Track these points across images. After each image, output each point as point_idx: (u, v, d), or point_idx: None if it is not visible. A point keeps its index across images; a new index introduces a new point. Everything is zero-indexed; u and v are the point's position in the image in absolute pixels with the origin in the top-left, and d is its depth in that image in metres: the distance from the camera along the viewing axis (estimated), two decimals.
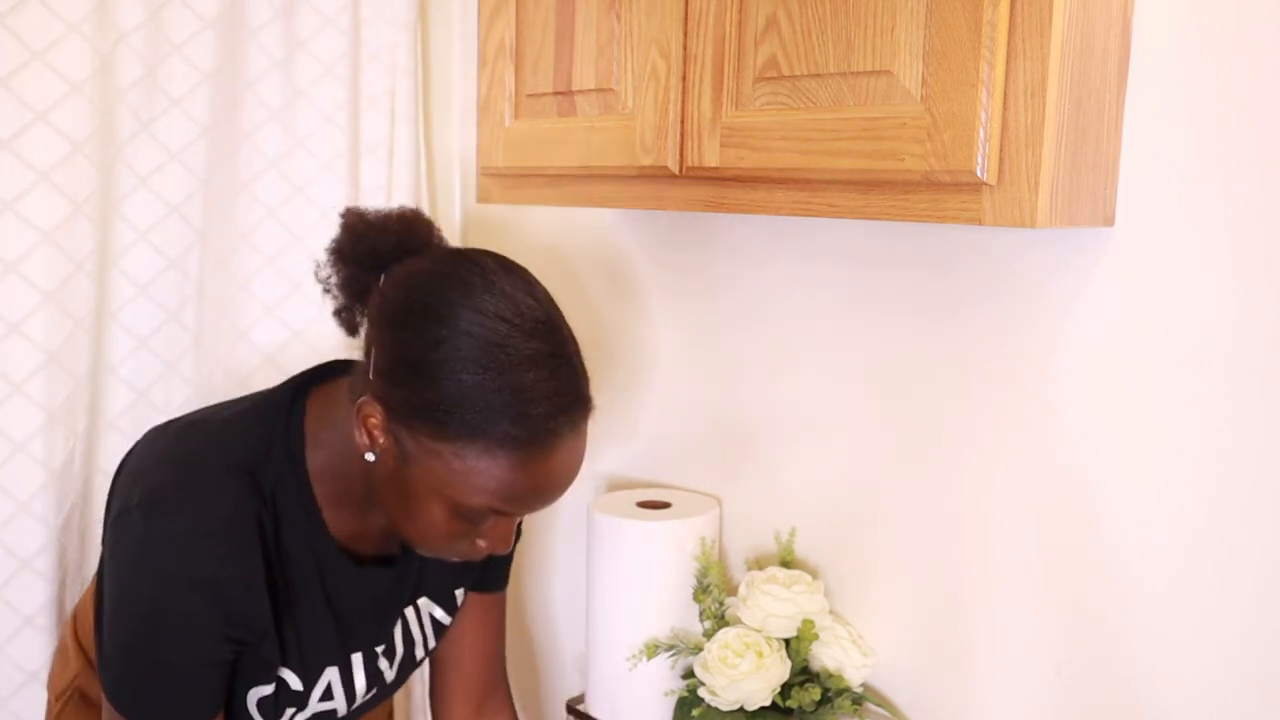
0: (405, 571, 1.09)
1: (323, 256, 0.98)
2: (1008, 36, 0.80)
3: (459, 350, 0.87)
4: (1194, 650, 0.94)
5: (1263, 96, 0.87)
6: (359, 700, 1.10)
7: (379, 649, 1.10)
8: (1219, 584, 0.93)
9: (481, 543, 0.95)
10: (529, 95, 1.21)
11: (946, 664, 1.13)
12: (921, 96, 0.84)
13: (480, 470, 0.88)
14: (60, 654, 1.20)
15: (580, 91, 1.14)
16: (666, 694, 1.24)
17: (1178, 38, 0.90)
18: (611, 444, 1.49)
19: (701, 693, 1.17)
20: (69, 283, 1.32)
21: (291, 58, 1.47)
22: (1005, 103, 0.81)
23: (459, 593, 1.16)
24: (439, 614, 1.15)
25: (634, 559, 1.24)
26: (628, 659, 1.24)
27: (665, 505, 1.30)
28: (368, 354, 0.93)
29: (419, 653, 1.15)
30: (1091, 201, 0.90)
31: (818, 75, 0.91)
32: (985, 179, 0.81)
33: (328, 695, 1.06)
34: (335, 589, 1.03)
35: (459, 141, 1.71)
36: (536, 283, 0.95)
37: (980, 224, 0.83)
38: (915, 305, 1.12)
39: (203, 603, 0.92)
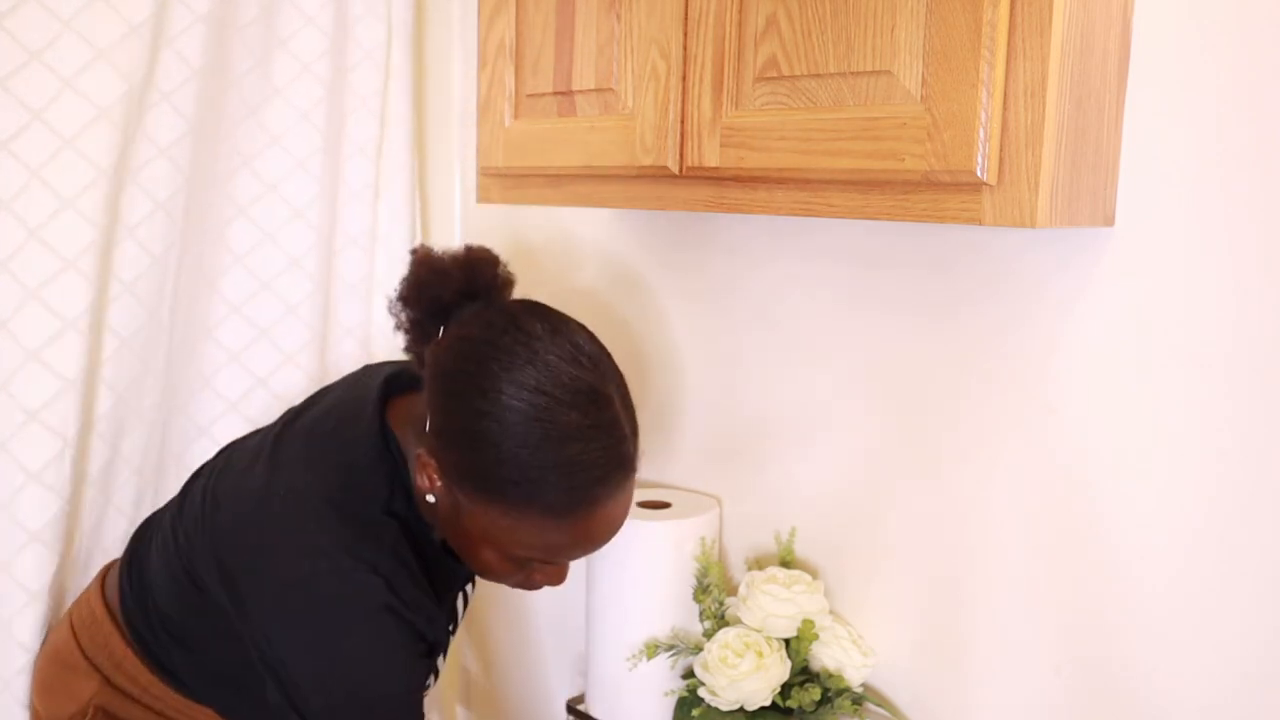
0: None
1: (392, 294, 1.02)
2: (1008, 36, 0.80)
3: (501, 424, 0.90)
4: (1194, 650, 0.94)
5: (1263, 96, 0.87)
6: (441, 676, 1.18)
7: (450, 628, 1.16)
8: (1219, 584, 0.93)
9: (548, 584, 1.02)
10: (529, 95, 1.21)
11: (946, 664, 1.13)
12: (921, 96, 0.84)
13: (524, 529, 0.93)
14: (62, 671, 1.18)
15: (580, 91, 1.14)
16: (666, 694, 1.24)
17: (1178, 38, 0.90)
18: None
19: (701, 693, 1.17)
20: (57, 281, 1.30)
21: (270, 56, 1.47)
22: (1005, 103, 0.81)
23: None
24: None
25: (634, 559, 1.24)
26: (628, 659, 1.24)
27: (665, 505, 1.30)
28: (428, 406, 0.97)
29: (463, 617, 1.22)
30: (1091, 201, 0.90)
31: (818, 75, 0.91)
32: (985, 179, 0.81)
33: (427, 687, 1.11)
34: (443, 589, 1.09)
35: (459, 142, 1.71)
36: (585, 343, 0.96)
37: (980, 224, 0.83)
38: (915, 305, 1.12)
39: (411, 644, 0.98)
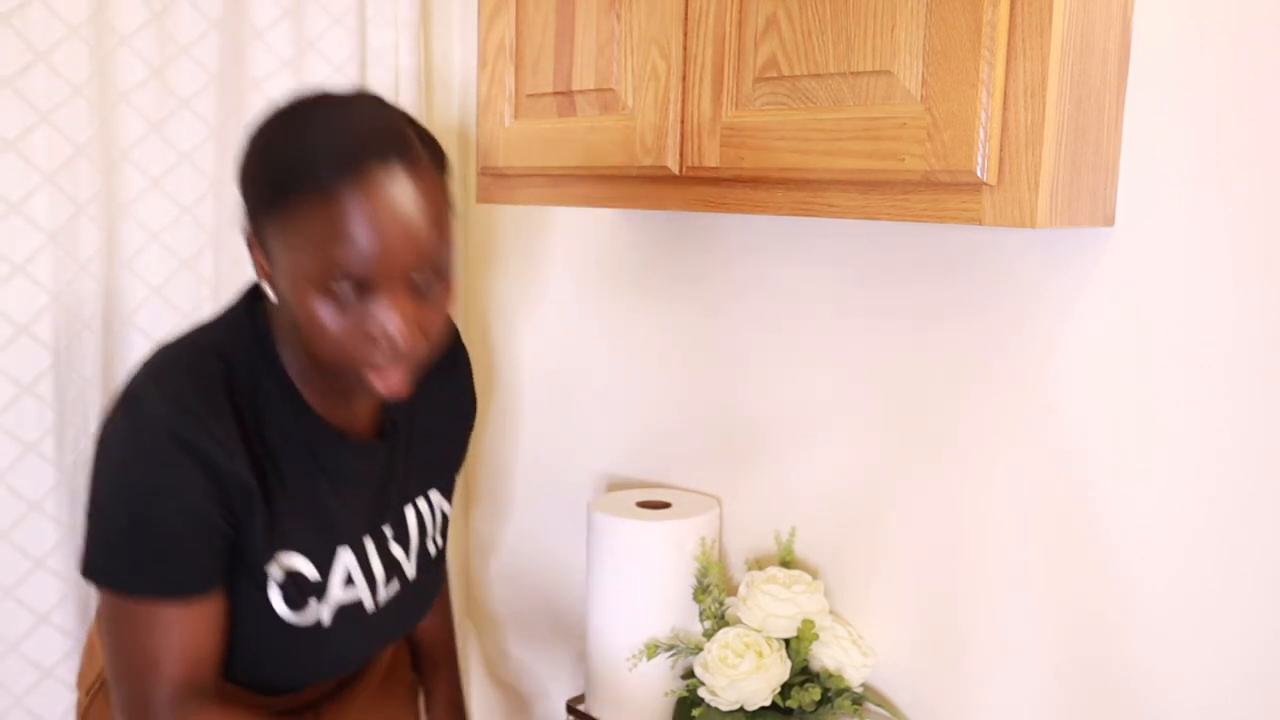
0: (396, 448, 1.12)
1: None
2: (1008, 36, 0.80)
3: (269, 131, 0.94)
4: (1194, 650, 0.94)
5: (1263, 96, 0.87)
6: (382, 591, 1.11)
7: (386, 529, 1.12)
8: (1219, 584, 0.93)
9: (387, 325, 0.93)
10: (529, 95, 1.21)
11: (946, 664, 1.13)
12: (921, 96, 0.84)
13: (312, 230, 0.90)
14: (88, 651, 1.21)
15: (580, 91, 1.14)
16: (666, 694, 1.24)
17: (1178, 38, 0.90)
18: (611, 444, 1.49)
19: (701, 693, 1.17)
20: (73, 283, 1.32)
21: (302, 58, 1.48)
22: (1005, 103, 0.81)
23: (454, 475, 1.24)
24: (446, 508, 1.20)
25: (634, 559, 1.24)
26: (628, 659, 1.24)
27: (665, 505, 1.30)
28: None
29: (431, 546, 1.18)
30: (1091, 201, 0.90)
31: (818, 75, 0.91)
32: (985, 179, 0.81)
33: (349, 582, 1.09)
34: (331, 467, 1.06)
35: (459, 142, 1.71)
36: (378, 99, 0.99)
37: (980, 224, 0.83)
38: (915, 305, 1.12)
39: (188, 463, 0.95)
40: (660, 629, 1.24)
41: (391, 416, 1.13)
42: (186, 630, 0.99)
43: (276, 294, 0.97)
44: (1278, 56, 0.86)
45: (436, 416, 1.18)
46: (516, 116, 1.23)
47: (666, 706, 1.24)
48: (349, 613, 1.09)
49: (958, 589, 1.11)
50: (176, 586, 0.98)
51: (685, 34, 1.01)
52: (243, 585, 1.02)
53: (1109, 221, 0.94)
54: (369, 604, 1.10)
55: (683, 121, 1.03)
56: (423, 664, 1.35)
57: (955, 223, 0.85)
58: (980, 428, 1.08)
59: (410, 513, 1.15)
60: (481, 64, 1.26)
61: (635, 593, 1.25)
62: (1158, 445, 0.95)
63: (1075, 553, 1.02)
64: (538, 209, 1.57)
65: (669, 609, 1.24)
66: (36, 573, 1.33)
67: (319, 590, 1.06)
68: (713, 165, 1.00)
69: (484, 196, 1.31)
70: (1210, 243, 0.91)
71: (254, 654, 1.05)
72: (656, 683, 1.25)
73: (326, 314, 0.92)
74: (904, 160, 0.85)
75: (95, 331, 1.35)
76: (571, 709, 1.35)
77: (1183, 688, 0.95)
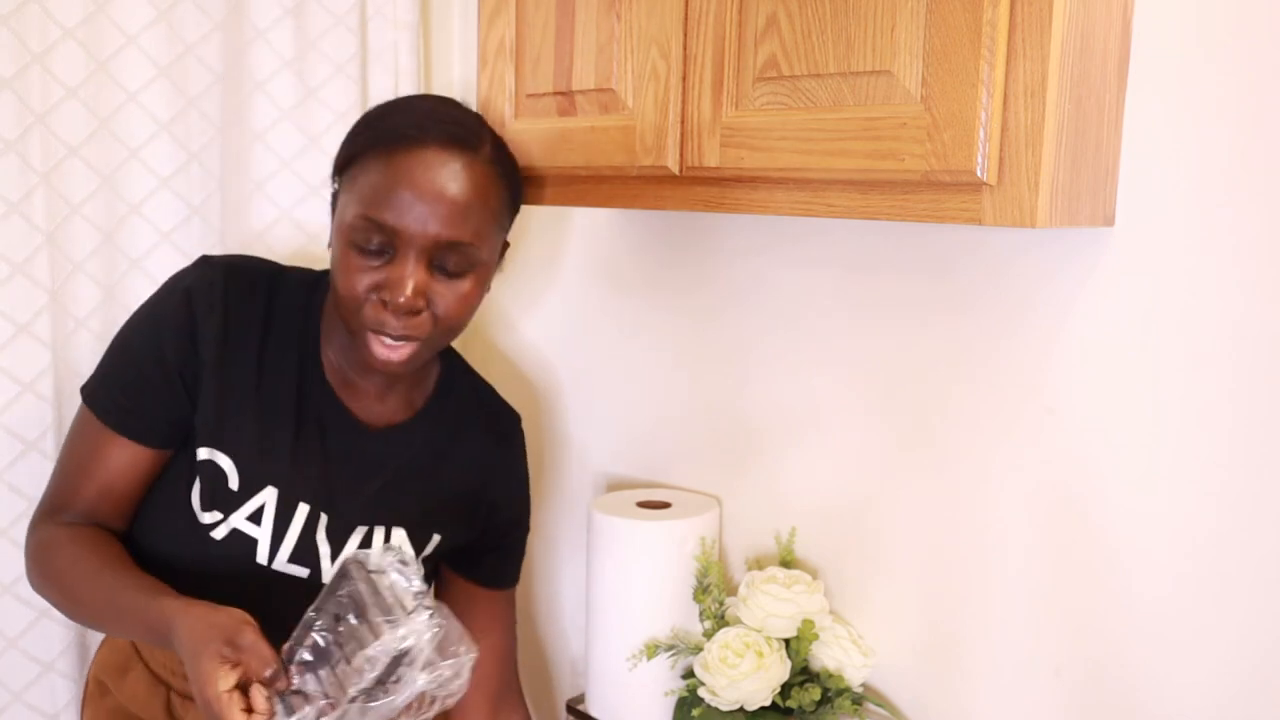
0: (383, 462, 1.14)
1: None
2: (1008, 36, 0.80)
3: (376, 108, 1.10)
4: (1195, 652, 0.94)
5: (1263, 96, 0.87)
6: (282, 558, 1.08)
7: (324, 519, 1.10)
8: (1219, 585, 0.93)
9: (397, 282, 1.00)
10: (529, 95, 1.21)
11: (946, 664, 1.13)
12: (921, 96, 0.84)
13: (365, 183, 1.01)
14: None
15: (580, 91, 1.14)
16: (666, 694, 1.24)
17: (1178, 38, 0.90)
18: (611, 444, 1.49)
19: (701, 693, 1.17)
20: (66, 286, 1.33)
21: (303, 57, 1.48)
22: (1005, 103, 0.81)
23: (435, 539, 1.18)
24: (407, 549, 1.15)
25: (634, 559, 1.24)
26: (628, 659, 1.24)
27: (665, 505, 1.30)
28: None
29: None
30: (1091, 201, 0.90)
31: (818, 75, 0.91)
32: (985, 179, 0.81)
33: (255, 518, 1.07)
34: (314, 417, 1.10)
35: None
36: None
37: (980, 224, 0.83)
38: (915, 306, 1.12)
39: (178, 303, 1.06)
40: (660, 629, 1.24)
41: (403, 438, 1.14)
42: (111, 463, 1.05)
43: (332, 253, 1.06)
44: (1278, 56, 0.86)
45: (453, 473, 1.19)
46: (516, 116, 1.23)
47: (666, 706, 1.24)
48: (239, 545, 1.06)
49: (958, 589, 1.11)
50: (123, 417, 1.05)
51: (685, 34, 1.01)
52: (179, 465, 1.07)
53: (1109, 221, 0.94)
54: (263, 553, 1.07)
55: (683, 121, 1.03)
56: None
57: (955, 223, 0.85)
58: (980, 428, 1.08)
59: (359, 533, 1.12)
60: (481, 64, 1.26)
61: (635, 593, 1.25)
62: (1158, 446, 0.95)
63: (1075, 553, 1.02)
64: (537, 209, 1.57)
65: (669, 609, 1.24)
66: None
67: (230, 502, 1.06)
68: (713, 165, 1.00)
69: None
70: (1211, 243, 0.91)
71: (157, 537, 1.08)
72: (656, 683, 1.25)
73: (354, 263, 1.01)
74: (904, 160, 0.85)
75: (93, 330, 1.35)
76: (571, 709, 1.35)
77: (1183, 689, 0.95)
